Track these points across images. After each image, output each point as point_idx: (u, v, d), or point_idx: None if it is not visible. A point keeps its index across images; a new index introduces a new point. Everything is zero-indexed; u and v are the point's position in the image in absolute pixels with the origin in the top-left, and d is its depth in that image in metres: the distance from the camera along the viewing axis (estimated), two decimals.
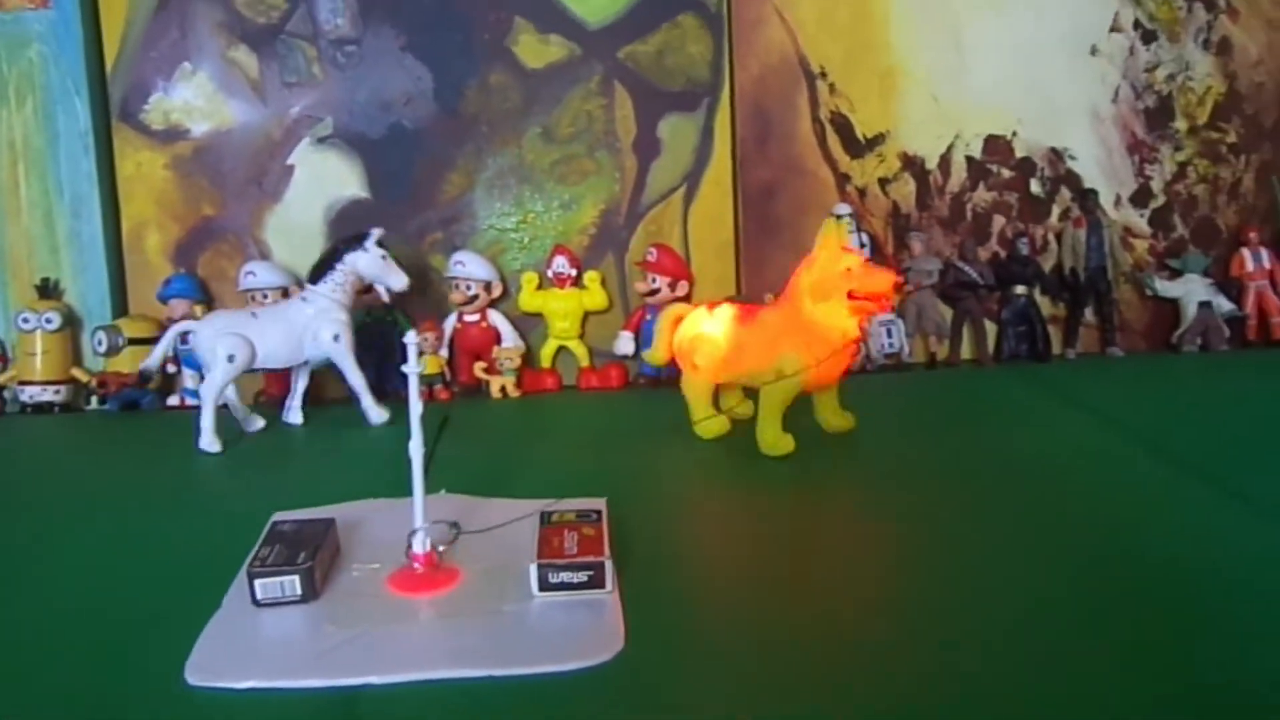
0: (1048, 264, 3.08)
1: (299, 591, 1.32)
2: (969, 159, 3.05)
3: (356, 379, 2.41)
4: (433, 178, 2.93)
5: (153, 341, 2.76)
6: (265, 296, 2.74)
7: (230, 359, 2.26)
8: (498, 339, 2.85)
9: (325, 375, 2.60)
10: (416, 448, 1.39)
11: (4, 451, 2.53)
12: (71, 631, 1.30)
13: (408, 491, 1.40)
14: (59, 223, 2.84)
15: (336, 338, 2.40)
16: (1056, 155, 3.07)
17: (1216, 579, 1.33)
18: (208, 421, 2.24)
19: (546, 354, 2.93)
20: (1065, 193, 3.08)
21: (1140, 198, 3.11)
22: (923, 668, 1.13)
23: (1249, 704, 1.03)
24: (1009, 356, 3.00)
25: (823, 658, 1.17)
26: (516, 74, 2.92)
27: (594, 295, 2.92)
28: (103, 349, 2.70)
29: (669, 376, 2.75)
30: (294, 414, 2.51)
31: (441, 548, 1.44)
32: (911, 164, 3.03)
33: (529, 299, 2.92)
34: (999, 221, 3.08)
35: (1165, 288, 3.06)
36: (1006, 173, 3.06)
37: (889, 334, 2.91)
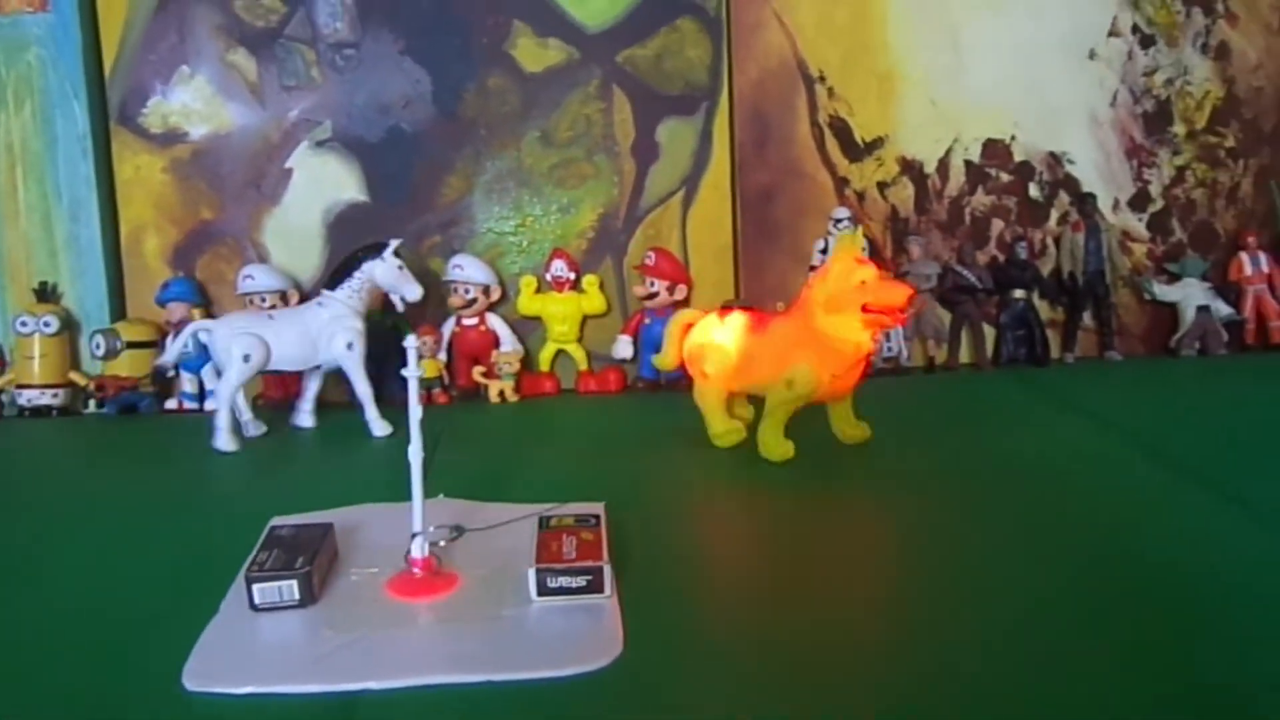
0: (1046, 268, 3.08)
1: (297, 596, 1.32)
2: (967, 163, 3.05)
3: (364, 389, 2.41)
4: (431, 181, 2.93)
5: (151, 345, 2.78)
6: (264, 300, 2.74)
7: (246, 358, 2.27)
8: (496, 343, 2.85)
9: (326, 380, 2.60)
10: (415, 452, 1.39)
11: (1, 455, 2.52)
12: (68, 636, 1.29)
13: (406, 496, 1.39)
14: (57, 226, 2.84)
15: (350, 345, 2.40)
16: (1055, 159, 3.07)
17: (1214, 582, 1.33)
18: (224, 420, 2.25)
19: (545, 358, 2.93)
20: (1064, 197, 3.09)
21: (1139, 202, 3.11)
22: (922, 669, 1.13)
23: (1247, 704, 1.03)
24: (1007, 360, 3.00)
25: (822, 662, 1.16)
26: (515, 77, 2.92)
27: (592, 299, 2.92)
28: (101, 352, 2.70)
29: (668, 381, 2.76)
30: (305, 417, 2.52)
31: (442, 543, 1.44)
32: (910, 168, 3.04)
33: (527, 303, 2.92)
34: (997, 225, 3.09)
35: (1163, 292, 3.06)
36: (1005, 177, 3.07)
37: (887, 338, 2.91)
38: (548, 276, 2.92)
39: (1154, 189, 3.10)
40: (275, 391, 2.76)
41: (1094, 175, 3.08)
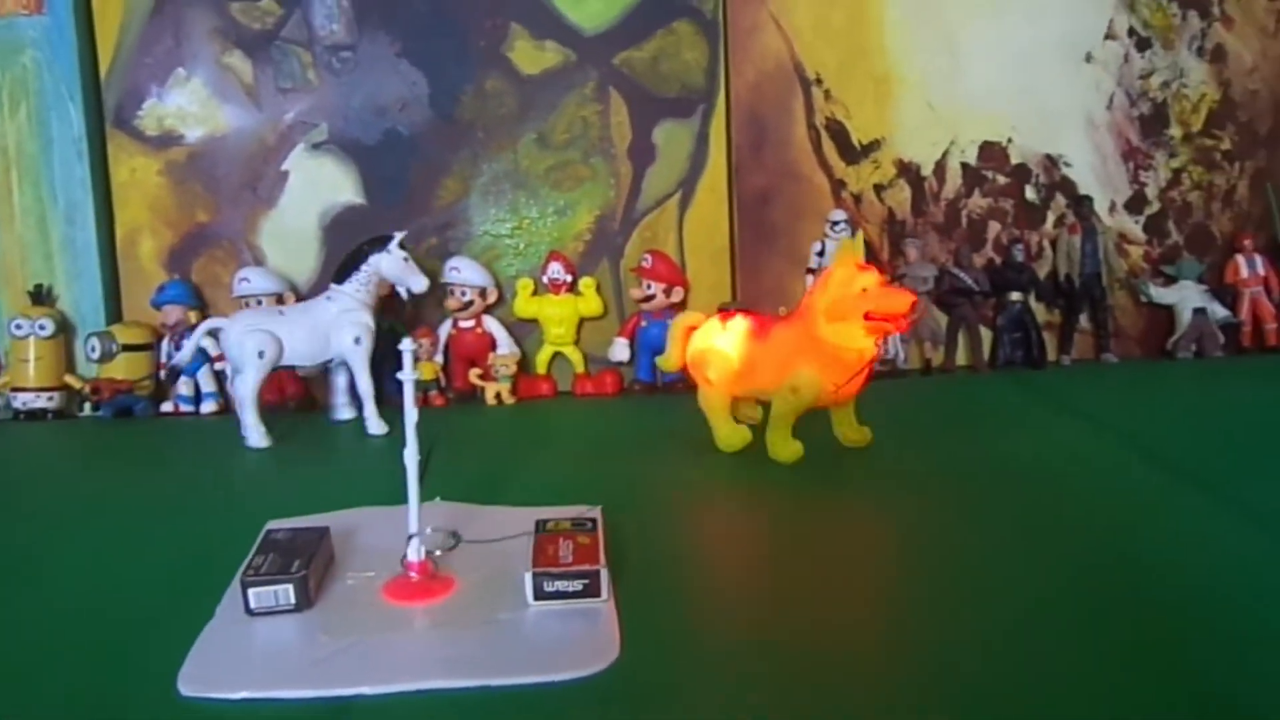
0: (1043, 270, 3.09)
1: (293, 600, 1.31)
2: (964, 165, 3.05)
3: (366, 385, 2.41)
4: (428, 183, 2.93)
5: (147, 348, 2.78)
6: (259, 303, 2.73)
7: (260, 354, 2.29)
8: (493, 345, 2.85)
9: (319, 382, 2.60)
10: (411, 455, 1.38)
11: None
12: (63, 640, 1.29)
13: (403, 499, 1.39)
14: (53, 229, 2.83)
15: (357, 340, 2.41)
16: (1051, 162, 3.07)
17: (1210, 583, 1.33)
18: (251, 418, 2.27)
19: (542, 360, 2.93)
20: (1060, 199, 3.09)
21: (1135, 204, 3.11)
22: (921, 669, 1.13)
23: (1244, 705, 1.03)
24: (1004, 363, 3.00)
25: (820, 666, 1.16)
26: (512, 80, 2.92)
27: (589, 301, 2.92)
28: (96, 355, 2.70)
29: (665, 383, 2.76)
30: (343, 411, 2.54)
31: (439, 552, 1.43)
32: (907, 170, 3.04)
33: (524, 305, 2.92)
34: (994, 228, 3.09)
35: (1160, 294, 3.07)
36: (1002, 179, 3.07)
37: (885, 340, 2.91)
38: (544, 279, 2.91)
39: (1150, 191, 3.11)
40: (271, 394, 2.75)
41: (1090, 178, 3.08)
